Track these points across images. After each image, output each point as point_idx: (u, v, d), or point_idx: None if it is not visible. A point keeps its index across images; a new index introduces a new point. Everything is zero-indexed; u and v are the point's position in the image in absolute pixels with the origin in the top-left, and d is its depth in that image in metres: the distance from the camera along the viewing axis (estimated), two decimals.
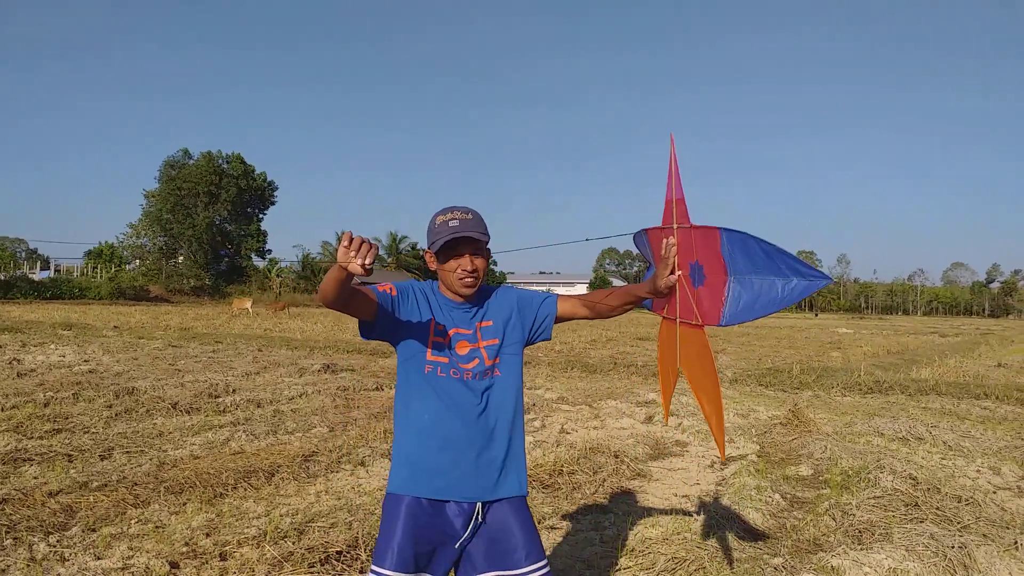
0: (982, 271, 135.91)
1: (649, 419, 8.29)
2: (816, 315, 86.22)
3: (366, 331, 2.25)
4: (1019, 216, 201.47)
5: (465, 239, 2.20)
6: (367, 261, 1.84)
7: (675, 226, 2.33)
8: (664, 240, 2.25)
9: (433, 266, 2.30)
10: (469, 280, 2.24)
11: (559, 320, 2.43)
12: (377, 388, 10.13)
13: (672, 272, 2.21)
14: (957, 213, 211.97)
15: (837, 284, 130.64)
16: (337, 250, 1.89)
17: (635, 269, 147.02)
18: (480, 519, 2.21)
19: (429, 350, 2.25)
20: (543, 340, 2.43)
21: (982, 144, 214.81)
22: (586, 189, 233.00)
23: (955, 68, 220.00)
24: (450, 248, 2.21)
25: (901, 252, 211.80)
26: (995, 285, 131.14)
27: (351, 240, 1.84)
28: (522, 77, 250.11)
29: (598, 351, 17.64)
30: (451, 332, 2.27)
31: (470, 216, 2.22)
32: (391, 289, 2.27)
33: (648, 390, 10.67)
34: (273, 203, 69.95)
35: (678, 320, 2.41)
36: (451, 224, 2.20)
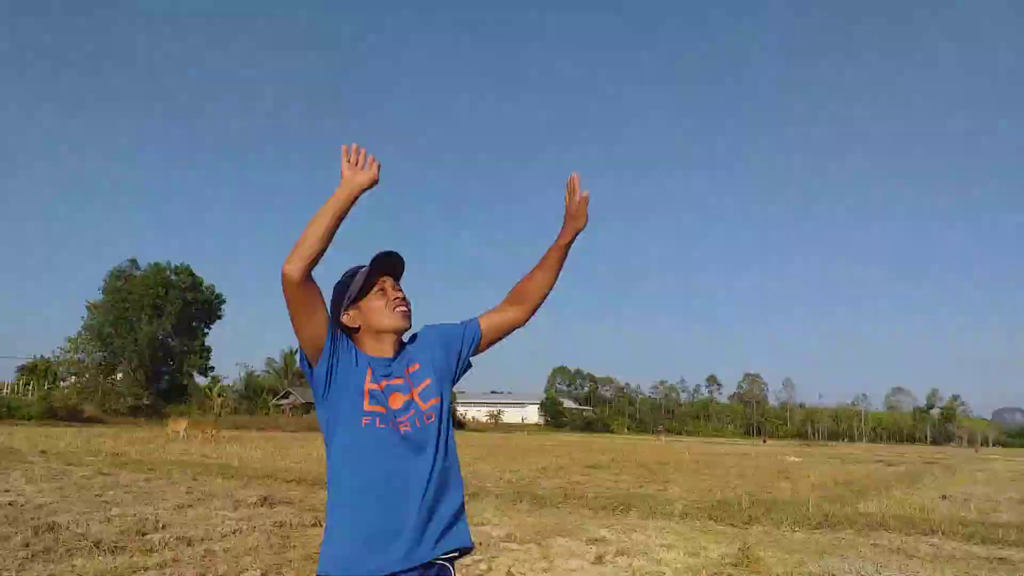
0: (922, 396, 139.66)
1: (599, 559, 8.06)
2: (764, 441, 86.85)
3: (312, 355, 2.04)
4: (956, 340, 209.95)
5: (385, 265, 2.14)
6: (374, 173, 1.84)
7: None
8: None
9: (356, 323, 2.16)
10: (404, 306, 2.14)
11: (495, 338, 2.32)
12: (315, 524, 9.69)
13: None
14: (897, 334, 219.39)
15: (783, 409, 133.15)
16: (343, 170, 1.84)
17: (586, 389, 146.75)
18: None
19: (365, 400, 2.07)
20: (467, 369, 2.32)
21: (919, 269, 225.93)
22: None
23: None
24: (371, 280, 2.14)
25: (844, 375, 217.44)
26: (935, 411, 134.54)
27: (355, 151, 1.84)
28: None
29: (549, 480, 17.30)
30: (382, 384, 2.10)
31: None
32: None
33: (598, 525, 10.42)
34: (220, 317, 68.59)
35: None
36: (361, 269, 2.15)
